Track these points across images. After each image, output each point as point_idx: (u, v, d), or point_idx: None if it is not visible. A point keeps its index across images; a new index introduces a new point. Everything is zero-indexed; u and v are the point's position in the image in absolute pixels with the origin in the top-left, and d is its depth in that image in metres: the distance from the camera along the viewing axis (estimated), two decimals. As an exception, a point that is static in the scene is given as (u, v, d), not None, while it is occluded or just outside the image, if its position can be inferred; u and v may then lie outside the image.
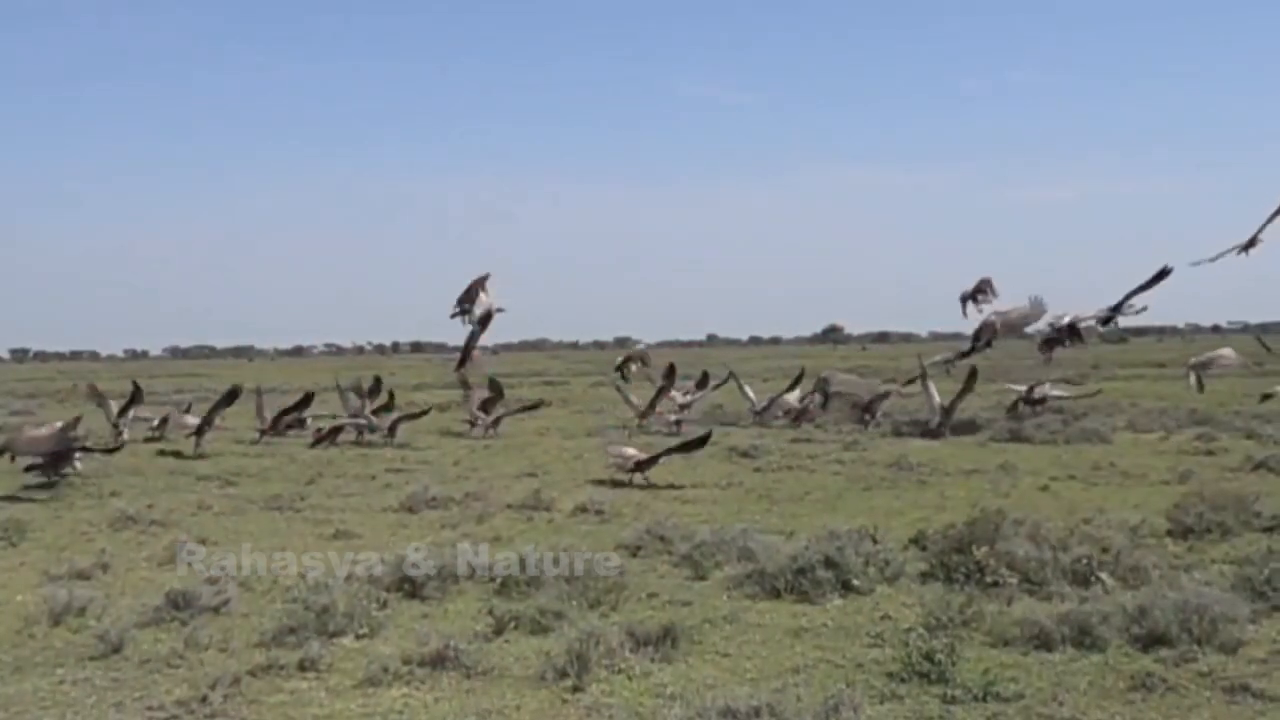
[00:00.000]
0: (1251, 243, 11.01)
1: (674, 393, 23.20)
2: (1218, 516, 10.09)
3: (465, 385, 23.82)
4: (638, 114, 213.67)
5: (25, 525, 11.32)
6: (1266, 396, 19.40)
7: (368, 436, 20.93)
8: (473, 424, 22.54)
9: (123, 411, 20.94)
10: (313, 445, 19.91)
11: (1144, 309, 12.66)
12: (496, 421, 22.28)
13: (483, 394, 23.38)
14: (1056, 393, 23.72)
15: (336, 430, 20.57)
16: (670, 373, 23.30)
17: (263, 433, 21.07)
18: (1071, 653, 6.65)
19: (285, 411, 21.59)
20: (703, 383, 24.67)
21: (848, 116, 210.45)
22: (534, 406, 24.53)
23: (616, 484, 14.27)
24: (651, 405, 22.81)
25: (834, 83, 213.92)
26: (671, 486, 14.03)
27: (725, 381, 25.04)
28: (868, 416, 21.88)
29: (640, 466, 14.36)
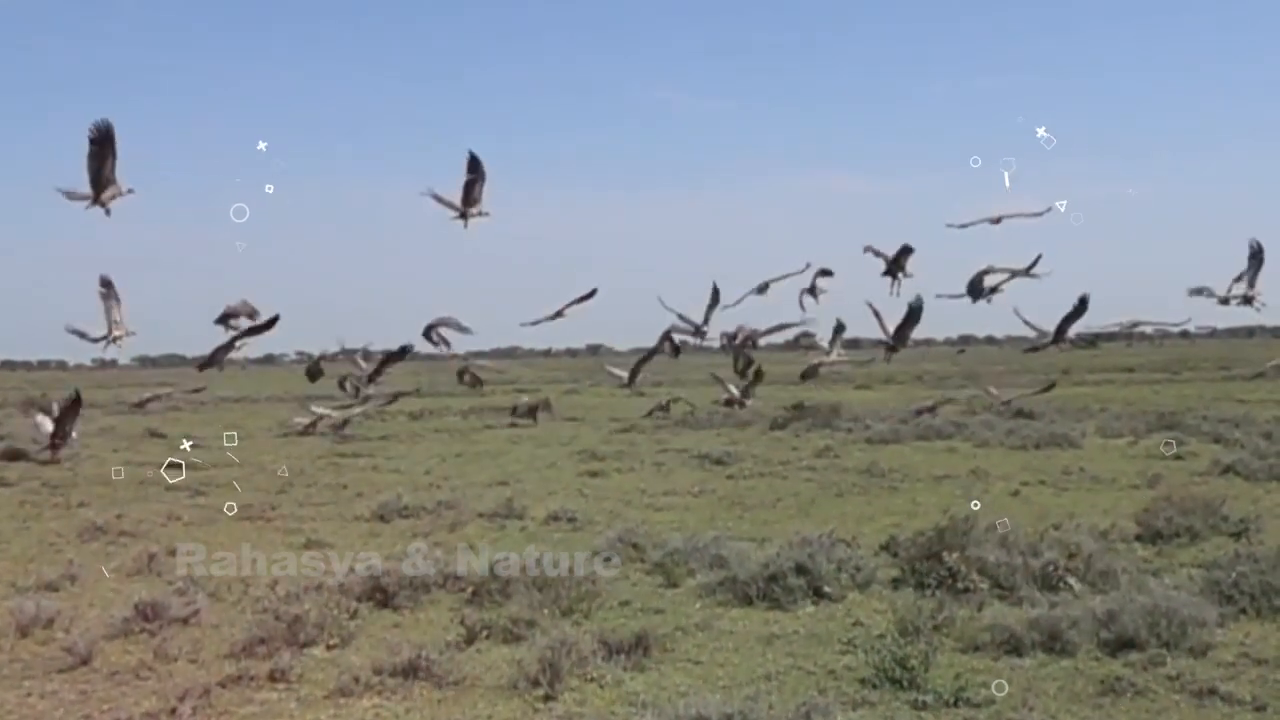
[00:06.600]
0: (998, 220, 11.97)
1: None
2: (1186, 521, 10.18)
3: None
4: (605, 119, 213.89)
5: (-9, 536, 11.19)
6: None
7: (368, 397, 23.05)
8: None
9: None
10: (341, 413, 22.37)
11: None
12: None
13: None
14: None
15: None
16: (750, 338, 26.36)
17: (307, 428, 22.95)
18: (1041, 657, 6.70)
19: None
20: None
21: (816, 123, 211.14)
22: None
23: (588, 492, 14.25)
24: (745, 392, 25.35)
25: (803, 90, 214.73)
26: (643, 493, 14.04)
27: None
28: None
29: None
